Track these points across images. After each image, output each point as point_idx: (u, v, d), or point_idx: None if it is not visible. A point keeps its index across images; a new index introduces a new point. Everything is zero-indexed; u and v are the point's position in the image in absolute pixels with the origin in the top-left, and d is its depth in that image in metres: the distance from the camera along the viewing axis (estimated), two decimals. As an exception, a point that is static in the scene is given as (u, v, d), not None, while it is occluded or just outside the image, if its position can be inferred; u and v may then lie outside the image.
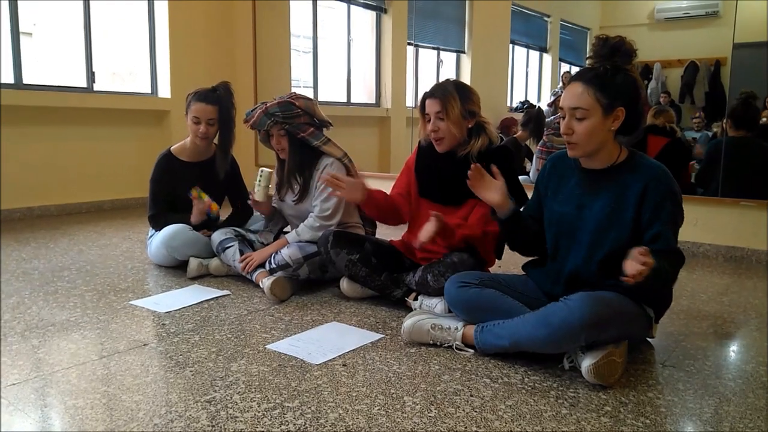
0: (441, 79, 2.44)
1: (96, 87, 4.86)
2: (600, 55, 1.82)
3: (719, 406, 1.64)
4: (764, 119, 4.56)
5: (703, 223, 3.60)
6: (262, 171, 2.74)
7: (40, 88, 4.51)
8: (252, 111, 2.71)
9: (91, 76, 4.81)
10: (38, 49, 5.02)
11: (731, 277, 3.17)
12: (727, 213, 3.58)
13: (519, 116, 5.53)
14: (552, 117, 5.32)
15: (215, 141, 3.04)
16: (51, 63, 5.01)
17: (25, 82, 4.42)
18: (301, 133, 2.65)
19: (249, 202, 2.81)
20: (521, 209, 2.08)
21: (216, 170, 3.01)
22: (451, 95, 2.29)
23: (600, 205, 1.86)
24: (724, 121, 4.13)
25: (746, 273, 3.25)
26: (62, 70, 4.93)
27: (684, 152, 4.45)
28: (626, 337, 1.84)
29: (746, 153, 3.90)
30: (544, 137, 5.29)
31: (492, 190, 1.99)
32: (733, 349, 2.19)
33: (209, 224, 2.98)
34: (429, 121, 2.34)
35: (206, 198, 2.85)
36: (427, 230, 2.15)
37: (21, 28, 4.40)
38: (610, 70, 1.79)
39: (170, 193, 2.97)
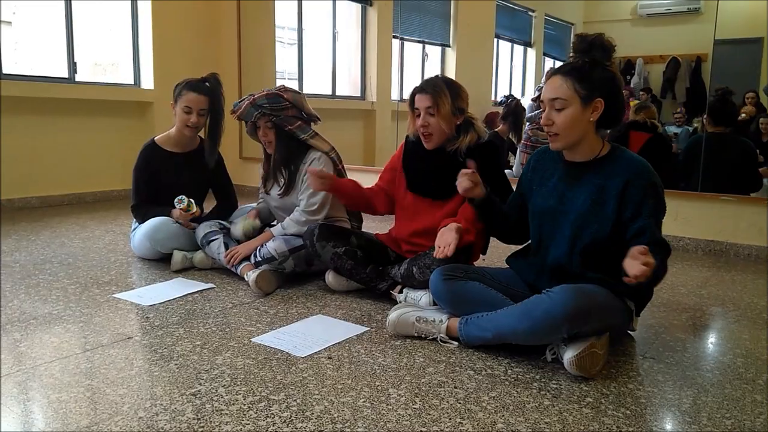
0: (426, 73, 2.45)
1: (78, 77, 4.78)
2: (578, 50, 1.88)
3: (697, 397, 1.68)
4: (743, 115, 4.63)
5: (684, 217, 3.66)
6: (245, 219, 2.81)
7: (20, 78, 4.44)
8: (240, 102, 2.69)
9: (72, 66, 4.73)
10: (18, 39, 4.93)
11: (710, 270, 3.23)
12: (707, 207, 3.64)
13: (503, 110, 5.55)
14: (536, 111, 5.35)
15: (200, 133, 3.03)
16: (31, 53, 4.93)
17: (4, 71, 4.34)
18: (289, 126, 2.64)
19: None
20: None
21: (200, 161, 3.00)
22: (442, 91, 2.29)
23: (582, 198, 1.89)
24: (704, 116, 4.19)
25: (725, 266, 3.31)
26: (43, 60, 4.84)
27: (666, 147, 4.51)
28: (608, 329, 1.87)
29: (725, 149, 3.96)
30: (528, 131, 5.32)
31: (475, 188, 2.02)
32: (711, 341, 2.23)
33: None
34: (418, 116, 2.34)
35: (194, 209, 2.82)
36: (452, 244, 2.08)
37: (0, 17, 4.32)
38: (588, 63, 1.84)
39: (153, 183, 2.95)
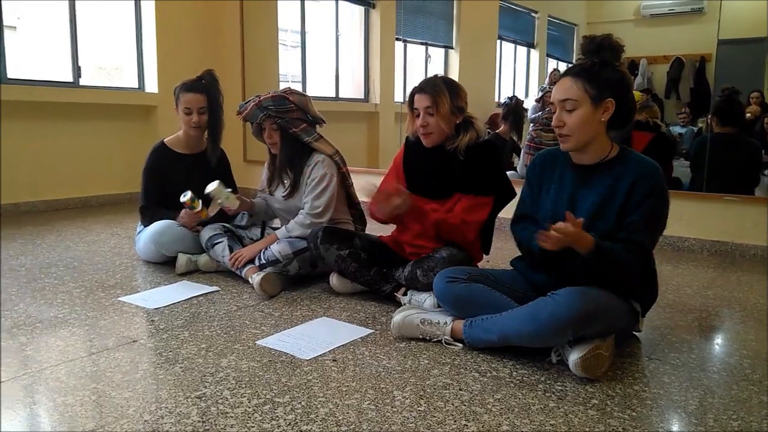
0: (429, 75, 2.44)
1: (82, 82, 4.81)
2: (587, 51, 1.88)
3: (703, 399, 1.67)
4: (748, 114, 4.62)
5: (688, 218, 3.64)
6: (211, 188, 2.68)
7: (24, 83, 4.46)
8: (245, 103, 2.70)
9: (77, 70, 4.75)
10: (23, 43, 4.96)
11: (716, 271, 3.21)
12: (711, 208, 3.63)
13: (506, 112, 5.53)
14: (540, 113, 5.34)
15: (205, 135, 3.04)
16: (36, 57, 4.96)
17: (9, 76, 4.37)
18: (294, 128, 2.65)
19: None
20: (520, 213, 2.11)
21: (208, 162, 3.02)
22: (441, 90, 2.30)
23: (592, 200, 1.88)
24: (709, 116, 4.17)
25: (730, 267, 3.30)
26: (47, 65, 4.87)
27: (669, 147, 4.49)
28: (613, 330, 1.86)
29: (732, 149, 3.94)
30: (532, 132, 5.31)
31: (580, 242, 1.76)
32: (718, 342, 2.22)
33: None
34: (418, 116, 2.34)
35: (198, 206, 2.76)
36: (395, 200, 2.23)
37: (5, 22, 4.34)
38: (597, 63, 1.84)
39: (163, 184, 2.97)
